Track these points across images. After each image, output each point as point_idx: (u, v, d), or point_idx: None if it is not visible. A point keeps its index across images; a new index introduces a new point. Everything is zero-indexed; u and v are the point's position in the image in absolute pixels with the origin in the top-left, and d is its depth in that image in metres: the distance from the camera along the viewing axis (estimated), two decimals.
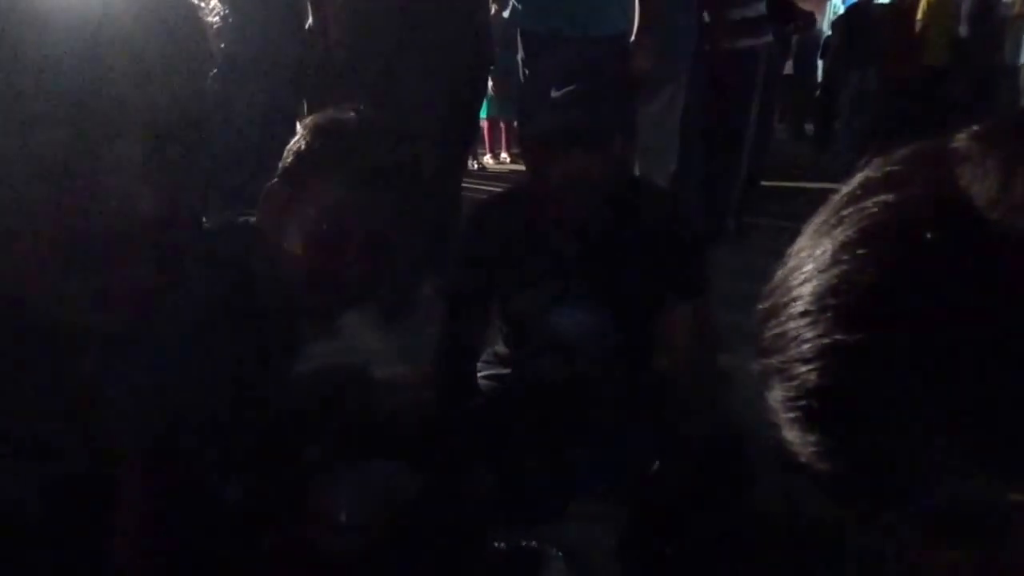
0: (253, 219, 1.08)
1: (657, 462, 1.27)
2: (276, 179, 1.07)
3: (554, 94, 1.29)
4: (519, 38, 2.94)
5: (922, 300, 0.34)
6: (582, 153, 1.28)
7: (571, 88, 1.28)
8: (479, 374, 1.51)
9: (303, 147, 1.06)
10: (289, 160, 1.07)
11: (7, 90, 0.45)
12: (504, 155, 7.46)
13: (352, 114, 1.08)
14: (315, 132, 1.06)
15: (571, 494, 1.37)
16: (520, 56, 2.91)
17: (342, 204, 1.01)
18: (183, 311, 0.84)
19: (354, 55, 2.52)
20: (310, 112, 1.12)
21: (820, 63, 8.09)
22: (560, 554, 1.13)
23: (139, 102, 0.48)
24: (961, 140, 0.37)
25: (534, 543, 1.14)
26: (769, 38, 3.82)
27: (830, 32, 8.00)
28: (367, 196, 1.02)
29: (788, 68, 7.04)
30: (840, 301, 0.35)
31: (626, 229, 1.42)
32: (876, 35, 6.64)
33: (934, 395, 0.33)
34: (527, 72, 2.67)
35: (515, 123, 7.40)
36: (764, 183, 4.99)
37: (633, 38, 2.86)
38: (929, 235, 0.34)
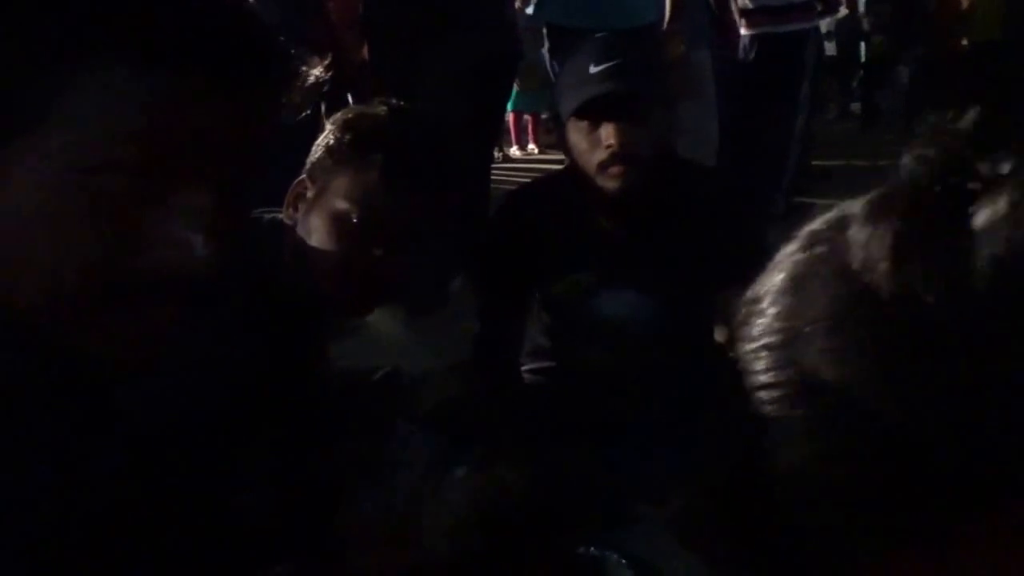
0: (281, 215, 1.07)
1: (716, 456, 1.20)
2: (304, 174, 1.06)
3: (593, 70, 1.26)
4: (545, 32, 2.93)
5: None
6: (623, 124, 1.25)
7: (611, 63, 1.26)
8: (522, 368, 1.47)
9: (331, 142, 1.04)
10: (317, 155, 1.05)
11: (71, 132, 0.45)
12: (531, 146, 7.45)
13: (381, 108, 1.07)
14: (343, 126, 1.05)
15: (626, 493, 1.31)
16: (546, 49, 2.89)
17: (370, 199, 1.00)
18: (204, 310, 0.82)
19: (380, 48, 2.50)
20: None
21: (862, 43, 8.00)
22: (624, 561, 1.07)
23: (208, 151, 0.48)
24: (856, 209, 0.39)
25: (593, 550, 1.08)
26: (816, 21, 3.78)
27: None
28: (396, 190, 1.00)
29: (831, 49, 7.01)
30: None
31: (673, 209, 1.37)
32: (923, 11, 6.55)
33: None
34: (555, 64, 2.66)
35: (542, 116, 7.43)
36: (812, 163, 4.97)
37: (666, 26, 2.84)
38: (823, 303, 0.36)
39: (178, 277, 0.48)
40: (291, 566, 0.84)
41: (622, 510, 1.26)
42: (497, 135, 3.89)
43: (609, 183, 1.28)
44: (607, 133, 1.25)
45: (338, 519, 0.89)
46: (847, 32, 7.74)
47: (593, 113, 1.27)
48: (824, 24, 5.44)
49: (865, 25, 7.79)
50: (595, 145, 1.27)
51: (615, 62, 1.26)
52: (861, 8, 7.70)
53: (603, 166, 1.27)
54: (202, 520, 0.83)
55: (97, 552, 0.50)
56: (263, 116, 0.51)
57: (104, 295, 0.47)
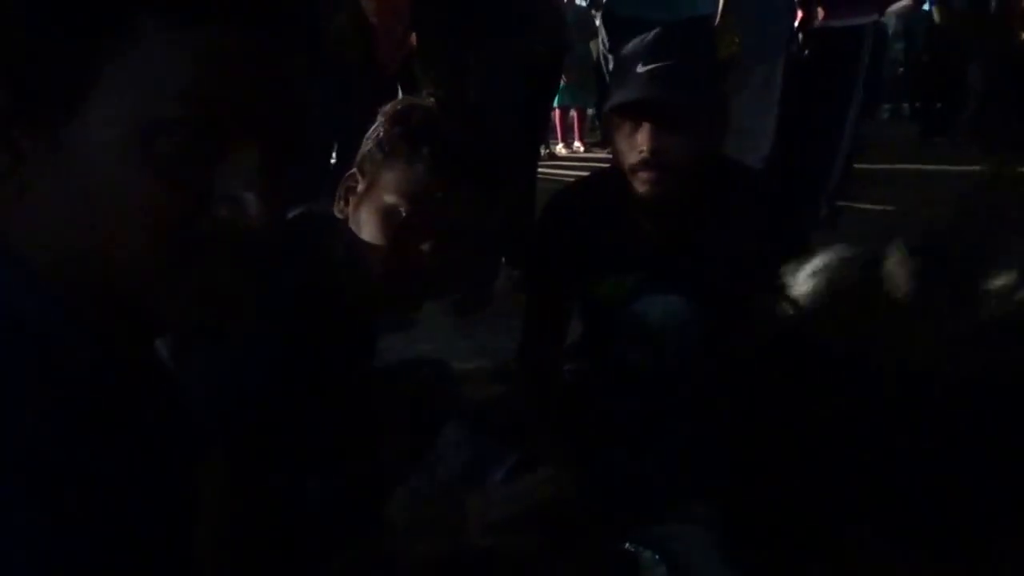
0: (332, 208, 1.08)
1: (756, 456, 1.20)
2: (355, 168, 1.07)
3: (640, 69, 1.25)
4: (602, 24, 2.90)
5: None
6: (659, 130, 1.24)
7: (658, 64, 1.25)
8: (564, 368, 1.47)
9: (380, 134, 1.04)
10: (367, 148, 1.06)
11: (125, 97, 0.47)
12: (577, 144, 7.41)
13: (430, 100, 1.07)
14: (392, 119, 1.05)
15: (669, 494, 1.31)
16: (602, 40, 2.87)
17: (419, 193, 1.00)
18: (262, 303, 0.83)
19: (429, 39, 2.52)
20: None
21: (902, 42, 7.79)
22: (657, 557, 1.07)
23: (258, 111, 0.50)
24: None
25: (629, 546, 1.09)
26: (875, 16, 3.68)
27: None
28: (445, 183, 1.00)
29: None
30: None
31: (717, 212, 1.36)
32: (990, 9, 6.35)
33: None
34: (611, 57, 2.64)
35: (588, 111, 7.40)
36: (857, 166, 4.85)
37: (717, 20, 2.78)
38: None
39: (236, 236, 0.49)
40: (347, 557, 0.85)
41: (658, 509, 1.26)
42: (544, 130, 3.87)
43: (640, 186, 1.28)
44: (642, 137, 1.25)
45: (387, 510, 0.91)
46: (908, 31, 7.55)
47: (632, 114, 1.26)
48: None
49: (935, 17, 7.54)
50: (631, 147, 1.27)
51: (662, 64, 1.25)
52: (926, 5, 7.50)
53: (634, 169, 1.27)
54: (258, 506, 0.85)
55: (151, 531, 0.50)
56: (304, 69, 0.52)
57: (168, 255, 0.48)
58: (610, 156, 1.46)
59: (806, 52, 3.75)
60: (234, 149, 0.49)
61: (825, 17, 3.65)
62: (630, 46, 1.38)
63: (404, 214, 1.00)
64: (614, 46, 2.64)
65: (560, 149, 7.31)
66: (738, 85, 2.83)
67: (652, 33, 1.37)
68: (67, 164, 0.47)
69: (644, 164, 1.26)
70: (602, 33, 2.96)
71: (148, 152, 0.46)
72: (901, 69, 8.24)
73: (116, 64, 0.46)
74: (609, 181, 1.43)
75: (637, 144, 1.25)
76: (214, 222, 0.49)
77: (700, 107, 1.27)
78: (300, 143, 0.53)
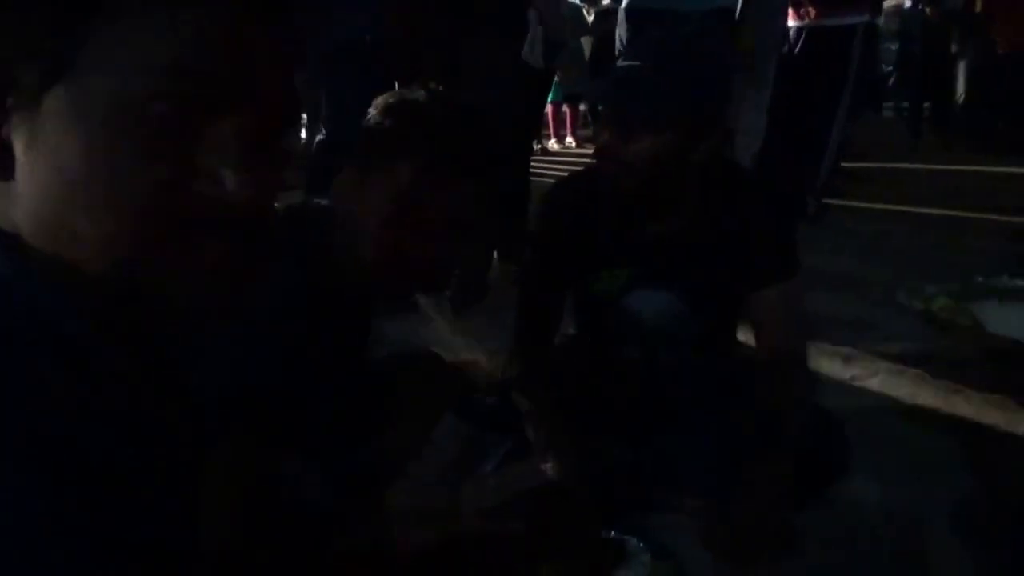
0: (329, 201, 1.08)
1: (747, 452, 1.22)
2: (350, 161, 1.07)
3: (620, 63, 1.26)
4: (624, 17, 2.90)
5: None
6: (624, 127, 1.23)
7: (632, 63, 1.24)
8: (556, 361, 1.48)
9: (373, 126, 1.04)
10: (361, 141, 1.06)
11: (106, 69, 0.46)
12: (569, 139, 7.42)
13: (423, 92, 1.06)
14: (385, 111, 1.05)
15: (655, 485, 1.33)
16: (621, 34, 2.87)
17: (414, 184, 1.00)
18: (261, 294, 0.84)
19: (421, 34, 2.52)
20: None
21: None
22: (642, 544, 1.10)
23: (243, 84, 0.48)
24: None
25: (615, 533, 1.11)
26: (867, 16, 3.69)
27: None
28: (439, 176, 1.00)
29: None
30: None
31: (710, 209, 1.36)
32: (981, 7, 6.36)
33: None
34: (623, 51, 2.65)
35: (580, 107, 7.41)
36: (846, 164, 4.89)
37: (739, 15, 2.78)
38: None
39: (222, 212, 0.48)
40: (345, 544, 0.86)
41: (645, 498, 1.28)
42: (538, 124, 3.87)
43: (645, 185, 1.27)
44: (601, 132, 1.26)
45: (384, 498, 0.92)
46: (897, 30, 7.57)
47: (634, 117, 1.24)
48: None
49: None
50: (634, 147, 1.25)
51: (635, 64, 1.23)
52: (907, 3, 7.53)
53: (641, 167, 1.25)
54: (259, 494, 0.86)
55: (154, 520, 0.50)
56: (289, 44, 0.51)
57: (154, 231, 0.47)
58: None
59: (797, 50, 3.77)
60: (218, 125, 0.48)
61: (817, 16, 3.66)
62: (637, 38, 1.36)
63: (397, 206, 1.00)
64: (632, 38, 2.64)
65: (553, 144, 7.32)
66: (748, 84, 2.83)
67: (654, 31, 1.36)
68: (48, 136, 0.46)
69: (597, 155, 1.28)
70: (621, 28, 2.96)
71: (128, 126, 0.46)
72: (891, 68, 8.28)
73: (98, 37, 0.46)
74: (604, 176, 1.41)
75: (597, 138, 1.27)
76: (197, 199, 0.48)
77: (657, 115, 1.23)
78: (288, 121, 0.52)
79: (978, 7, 6.17)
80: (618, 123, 1.24)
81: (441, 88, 1.08)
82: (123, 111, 0.45)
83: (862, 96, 5.20)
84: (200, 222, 0.48)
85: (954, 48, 6.54)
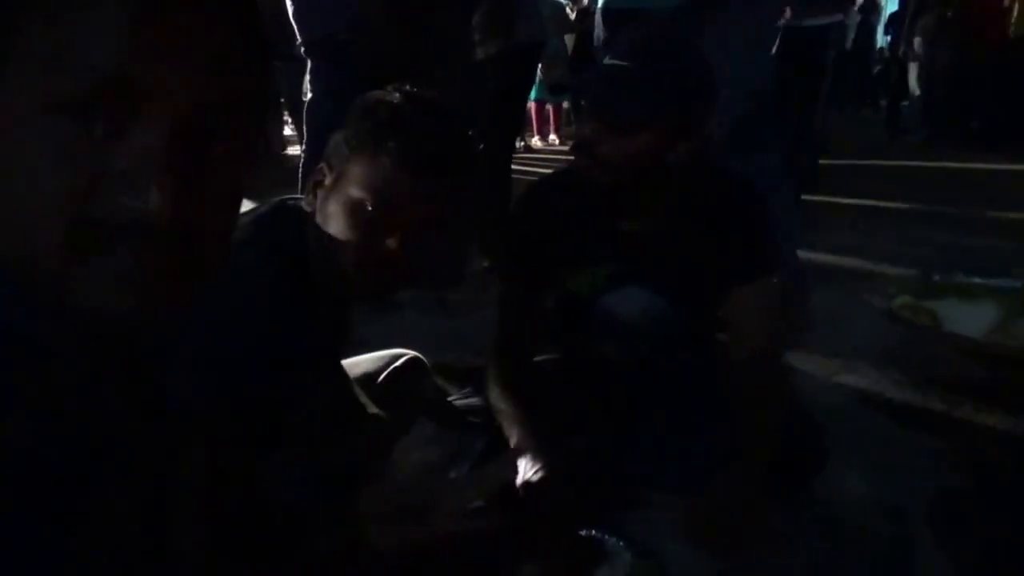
0: (303, 201, 1.07)
1: (726, 449, 1.23)
2: (322, 161, 1.06)
3: (605, 60, 1.24)
4: (601, 18, 2.90)
5: None
6: (607, 124, 1.23)
7: (617, 61, 1.23)
8: (536, 359, 1.48)
9: (348, 127, 1.04)
10: (334, 142, 1.05)
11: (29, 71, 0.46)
12: (552, 136, 7.43)
13: (397, 93, 1.05)
14: (360, 112, 1.04)
15: (635, 482, 1.34)
16: (598, 34, 2.87)
17: (386, 186, 0.99)
18: (236, 295, 0.84)
19: (395, 31, 2.51)
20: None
21: (882, 39, 7.90)
22: (623, 543, 1.10)
23: (164, 88, 0.47)
24: None
25: (595, 532, 1.11)
26: (840, 17, 3.76)
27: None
28: (411, 178, 0.99)
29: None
30: None
31: (689, 207, 1.37)
32: (953, 8, 6.44)
33: None
34: (605, 48, 2.64)
35: (563, 105, 7.42)
36: (824, 161, 4.94)
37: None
38: None
39: (137, 219, 0.47)
40: (323, 544, 0.86)
41: (624, 497, 1.28)
42: (518, 124, 3.87)
43: (626, 183, 1.27)
44: (584, 126, 1.25)
45: (362, 500, 0.92)
46: (862, 30, 7.66)
47: (618, 115, 1.24)
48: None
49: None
50: (575, 134, 1.28)
51: (620, 63, 1.23)
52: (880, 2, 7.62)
53: (621, 166, 1.25)
54: (236, 499, 0.86)
55: (126, 524, 0.50)
56: (215, 53, 0.50)
57: (73, 238, 0.47)
58: None
59: (774, 50, 3.81)
60: (141, 131, 0.47)
61: (792, 17, 3.71)
62: (618, 34, 1.35)
63: (370, 208, 0.99)
64: (610, 38, 2.64)
65: (536, 142, 7.33)
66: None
67: (637, 29, 1.35)
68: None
69: (576, 149, 1.27)
70: (598, 28, 2.96)
71: (48, 129, 0.46)
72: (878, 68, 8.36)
73: (24, 38, 0.46)
74: (584, 174, 1.43)
75: (579, 132, 1.27)
76: (113, 207, 0.47)
77: (642, 113, 1.23)
78: (225, 127, 0.51)
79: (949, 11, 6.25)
80: (603, 119, 1.24)
81: (414, 89, 1.07)
82: (46, 114, 0.45)
83: (842, 94, 5.26)
84: (113, 231, 0.47)
85: (930, 47, 6.63)
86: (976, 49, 6.30)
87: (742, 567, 1.24)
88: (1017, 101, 6.35)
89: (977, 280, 2.27)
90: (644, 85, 1.21)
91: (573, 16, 7.26)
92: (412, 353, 1.45)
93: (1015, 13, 6.02)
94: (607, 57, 1.25)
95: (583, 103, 1.30)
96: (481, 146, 1.13)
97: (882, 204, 4.51)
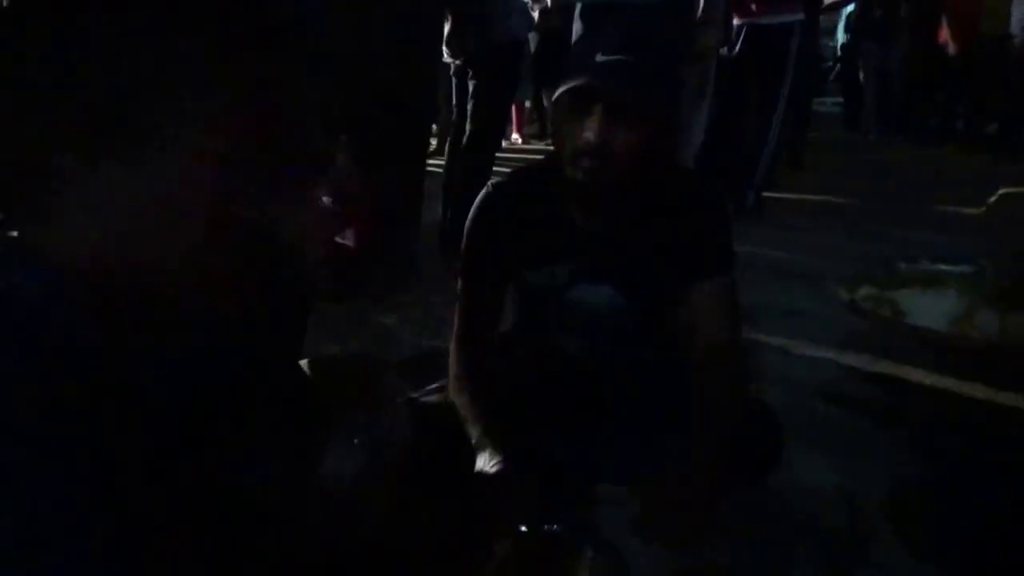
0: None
1: (684, 443, 1.24)
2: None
3: (598, 58, 1.23)
4: (578, 14, 2.90)
5: None
6: (608, 121, 1.23)
7: (617, 54, 1.23)
8: (496, 355, 1.48)
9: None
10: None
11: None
12: (515, 136, 7.42)
13: (351, 91, 1.05)
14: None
15: (594, 477, 1.34)
16: (577, 29, 2.87)
17: (339, 180, 0.97)
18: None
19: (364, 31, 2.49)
20: None
21: (841, 37, 8.01)
22: (581, 538, 1.10)
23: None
24: None
25: (556, 527, 1.11)
26: (802, 15, 3.81)
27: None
28: (363, 171, 1.00)
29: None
30: None
31: (650, 204, 1.38)
32: (919, 7, 6.53)
33: None
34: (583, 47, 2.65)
35: (526, 104, 7.41)
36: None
37: (701, 14, 2.79)
38: None
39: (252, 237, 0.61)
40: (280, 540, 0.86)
41: (583, 491, 1.29)
42: (501, 125, 3.77)
43: (582, 173, 1.27)
44: (590, 125, 1.23)
45: (308, 491, 0.91)
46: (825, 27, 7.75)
47: (583, 101, 1.24)
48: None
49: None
50: (579, 132, 1.25)
51: (622, 57, 1.23)
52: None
53: (579, 155, 1.26)
54: (209, 499, 0.85)
55: (110, 526, 0.52)
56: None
57: (213, 259, 0.60)
58: (548, 148, 1.46)
59: (737, 48, 3.85)
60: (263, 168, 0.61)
61: (755, 14, 3.75)
62: (595, 31, 1.34)
63: (325, 202, 0.97)
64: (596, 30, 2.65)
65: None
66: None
67: (616, 22, 1.34)
68: (144, 183, 0.56)
69: (590, 150, 1.24)
70: (577, 24, 2.95)
71: (211, 177, 0.57)
72: (834, 65, 8.47)
73: (188, 106, 0.57)
74: (544, 171, 1.44)
75: (586, 130, 1.23)
76: (246, 229, 0.60)
77: (652, 101, 1.25)
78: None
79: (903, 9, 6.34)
80: (619, 114, 1.23)
81: (370, 85, 1.06)
82: (198, 163, 0.57)
83: (809, 91, 5.36)
84: (239, 249, 0.61)
85: (883, 45, 6.73)
86: (939, 47, 6.41)
87: (700, 560, 1.25)
88: (984, 100, 6.51)
89: (942, 267, 2.29)
90: (652, 76, 1.23)
91: (536, 15, 7.25)
92: (370, 350, 1.44)
93: (985, 11, 6.13)
94: (598, 54, 1.25)
95: (600, 106, 1.26)
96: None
97: (840, 200, 4.59)
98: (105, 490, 0.52)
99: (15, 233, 0.57)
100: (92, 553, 0.49)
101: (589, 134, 1.24)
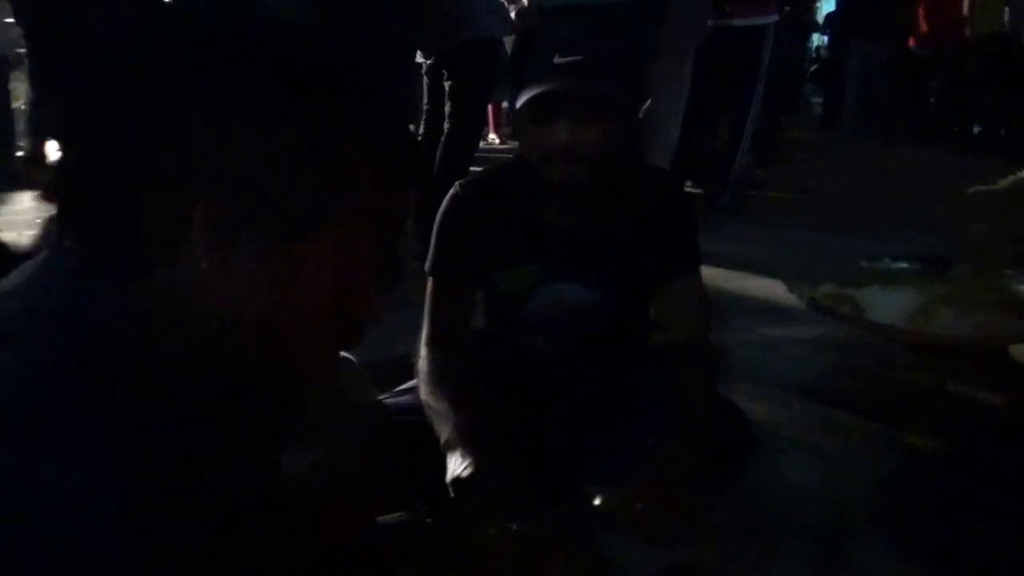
0: None
1: (658, 441, 1.22)
2: None
3: (556, 60, 1.23)
4: (542, 19, 2.89)
5: None
6: (574, 123, 1.23)
7: (576, 56, 1.23)
8: (467, 355, 1.45)
9: None
10: None
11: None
12: (492, 136, 7.42)
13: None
14: None
15: (567, 476, 1.32)
16: (542, 29, 2.86)
17: None
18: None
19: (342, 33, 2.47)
20: None
21: (818, 38, 8.08)
22: (557, 536, 1.08)
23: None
24: None
25: (529, 526, 1.08)
26: (775, 17, 3.83)
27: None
28: None
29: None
30: None
31: (619, 203, 1.38)
32: (906, 5, 6.56)
33: None
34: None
35: (503, 104, 7.40)
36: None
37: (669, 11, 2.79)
38: None
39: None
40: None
41: (557, 490, 1.27)
42: (477, 124, 3.75)
43: (552, 176, 1.27)
44: (557, 128, 1.23)
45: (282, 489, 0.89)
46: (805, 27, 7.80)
47: (547, 106, 1.24)
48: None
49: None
50: (544, 137, 1.25)
51: (580, 58, 1.23)
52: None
53: (547, 159, 1.26)
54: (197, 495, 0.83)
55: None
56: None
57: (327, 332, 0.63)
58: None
59: (711, 49, 3.86)
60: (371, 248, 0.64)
61: (728, 16, 3.76)
62: (550, 35, 1.36)
63: None
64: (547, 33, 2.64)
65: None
66: (653, 81, 2.87)
67: (571, 24, 1.35)
68: (292, 264, 0.58)
69: (559, 154, 1.24)
70: (541, 26, 2.95)
71: (352, 266, 0.61)
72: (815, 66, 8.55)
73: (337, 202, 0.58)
74: (513, 170, 1.44)
75: (551, 135, 1.24)
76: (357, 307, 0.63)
77: (615, 100, 1.25)
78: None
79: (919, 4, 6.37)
80: (588, 112, 1.23)
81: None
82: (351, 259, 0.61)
83: (787, 92, 5.40)
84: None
85: (866, 44, 6.76)
86: (926, 48, 6.47)
87: (677, 557, 1.23)
88: (971, 100, 6.57)
89: (903, 265, 2.31)
90: (611, 73, 1.24)
91: (513, 15, 7.24)
92: (343, 356, 1.41)
93: (977, 12, 6.19)
94: (556, 55, 1.24)
95: (564, 109, 1.25)
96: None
97: (818, 199, 4.61)
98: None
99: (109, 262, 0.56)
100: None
101: (555, 137, 1.24)
